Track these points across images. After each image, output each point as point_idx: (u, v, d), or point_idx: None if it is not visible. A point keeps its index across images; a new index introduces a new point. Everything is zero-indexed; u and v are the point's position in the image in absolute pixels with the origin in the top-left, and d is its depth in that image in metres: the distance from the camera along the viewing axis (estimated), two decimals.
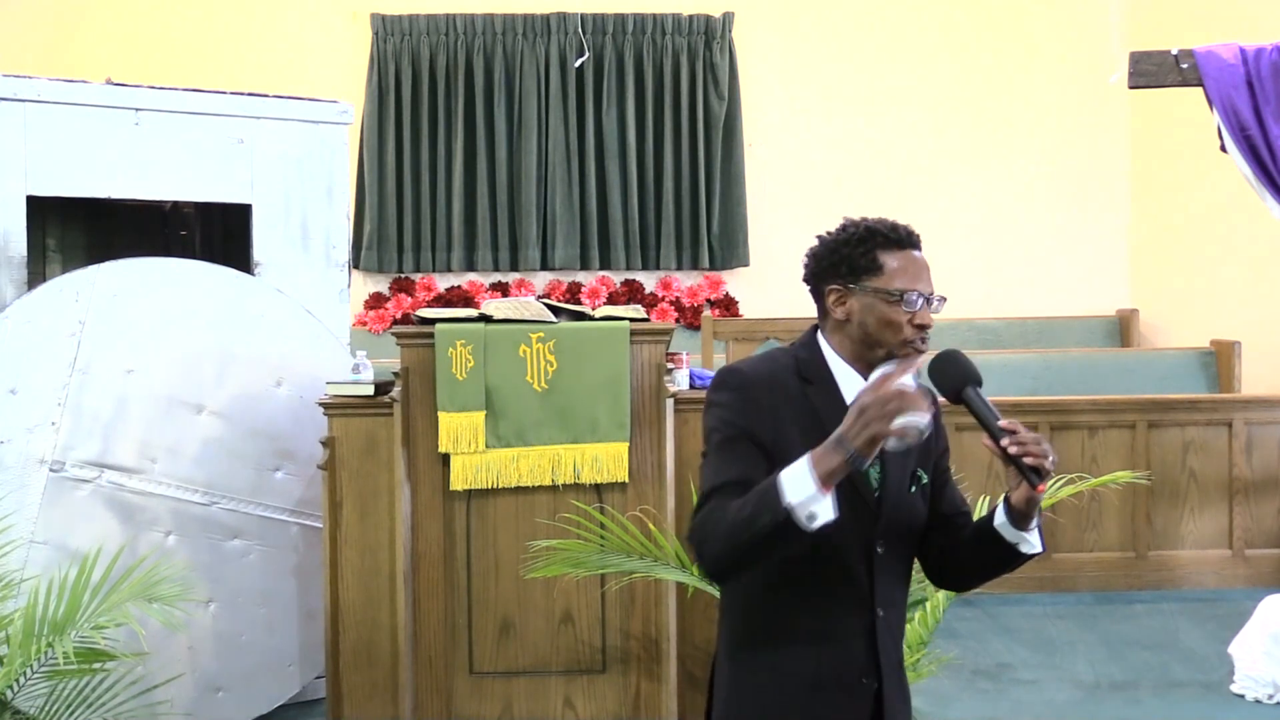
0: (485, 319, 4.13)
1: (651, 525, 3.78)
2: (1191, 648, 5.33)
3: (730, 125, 8.36)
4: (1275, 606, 4.73)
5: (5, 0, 8.07)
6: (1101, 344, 8.23)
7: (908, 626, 3.21)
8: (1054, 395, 6.71)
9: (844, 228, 2.44)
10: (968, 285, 8.38)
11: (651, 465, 4.09)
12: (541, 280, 8.27)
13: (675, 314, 8.22)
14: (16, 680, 3.28)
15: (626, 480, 4.07)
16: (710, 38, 8.33)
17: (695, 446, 4.15)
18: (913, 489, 2.35)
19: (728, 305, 8.30)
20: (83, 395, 4.18)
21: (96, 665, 3.43)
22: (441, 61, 8.23)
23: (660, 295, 8.29)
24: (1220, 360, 7.25)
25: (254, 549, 4.45)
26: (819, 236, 2.46)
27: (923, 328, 2.35)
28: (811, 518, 2.06)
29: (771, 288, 8.23)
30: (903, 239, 2.39)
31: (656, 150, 8.31)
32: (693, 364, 4.55)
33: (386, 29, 8.22)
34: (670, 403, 4.10)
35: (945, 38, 8.48)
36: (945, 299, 2.40)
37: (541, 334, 4.04)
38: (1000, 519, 2.28)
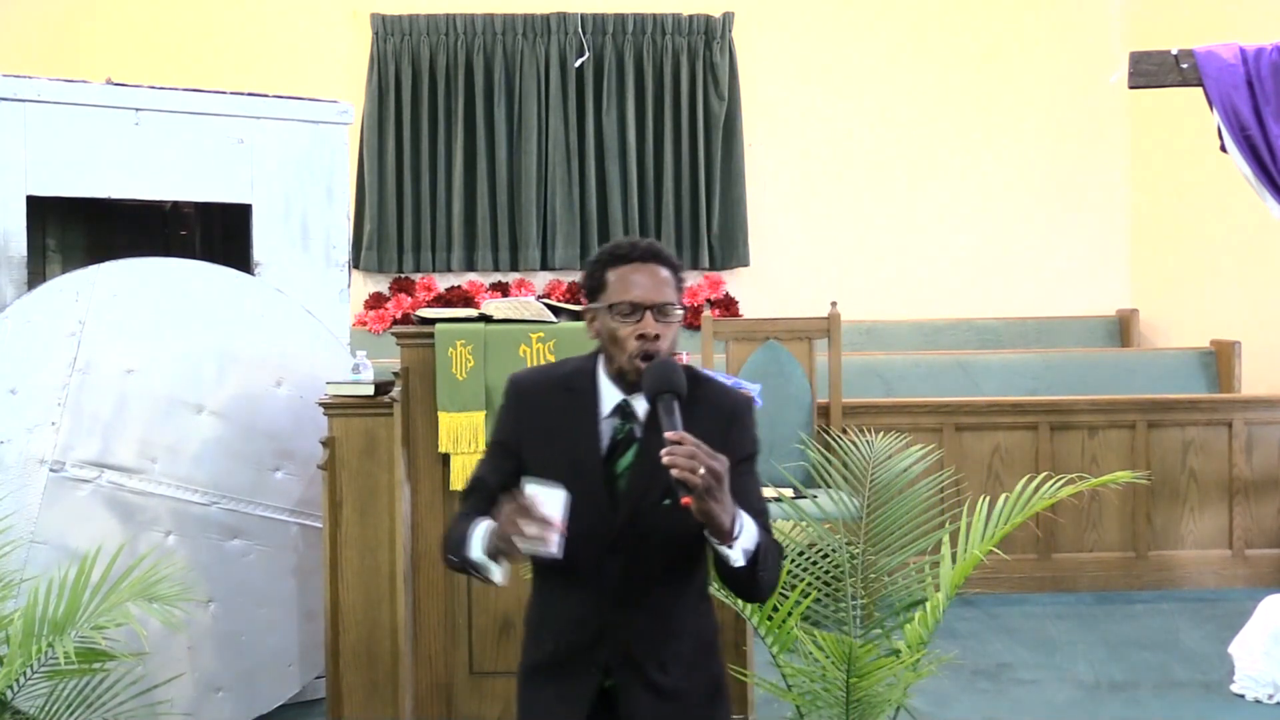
0: (485, 319, 4.13)
1: None
2: (1191, 648, 5.33)
3: (730, 125, 8.36)
4: (1275, 606, 4.73)
5: (6, 1, 8.08)
6: (1101, 344, 8.23)
7: (907, 627, 3.21)
8: (1054, 395, 6.71)
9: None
10: (968, 285, 8.41)
11: None
12: (541, 280, 8.28)
13: None
14: (16, 680, 3.28)
15: None
16: (710, 38, 8.34)
17: None
18: (666, 502, 2.38)
19: (728, 305, 8.30)
20: (82, 395, 4.18)
21: (96, 665, 3.43)
22: (441, 61, 8.24)
23: None
24: (1220, 360, 7.25)
25: (254, 549, 4.45)
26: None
27: (645, 337, 2.44)
28: (490, 573, 2.40)
29: (771, 287, 8.24)
30: (627, 254, 2.50)
31: (656, 150, 8.32)
32: (693, 364, 4.54)
33: (386, 29, 8.23)
34: None
35: (945, 38, 8.48)
36: (672, 305, 2.49)
37: (541, 334, 4.04)
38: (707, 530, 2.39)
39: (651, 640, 2.49)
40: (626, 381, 2.49)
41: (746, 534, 2.40)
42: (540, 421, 2.53)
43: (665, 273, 2.50)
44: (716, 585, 3.32)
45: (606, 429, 2.52)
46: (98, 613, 3.32)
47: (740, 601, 3.30)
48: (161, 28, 8.16)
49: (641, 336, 2.44)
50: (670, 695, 2.49)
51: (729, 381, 4.36)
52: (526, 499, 2.29)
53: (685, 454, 2.27)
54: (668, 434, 2.31)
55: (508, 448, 2.56)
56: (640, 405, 2.50)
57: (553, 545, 2.28)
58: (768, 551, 2.46)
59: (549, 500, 2.29)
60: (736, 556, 2.38)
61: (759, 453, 2.64)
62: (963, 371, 7.16)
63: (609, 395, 2.52)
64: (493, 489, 2.50)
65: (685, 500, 2.29)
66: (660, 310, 2.46)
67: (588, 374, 2.55)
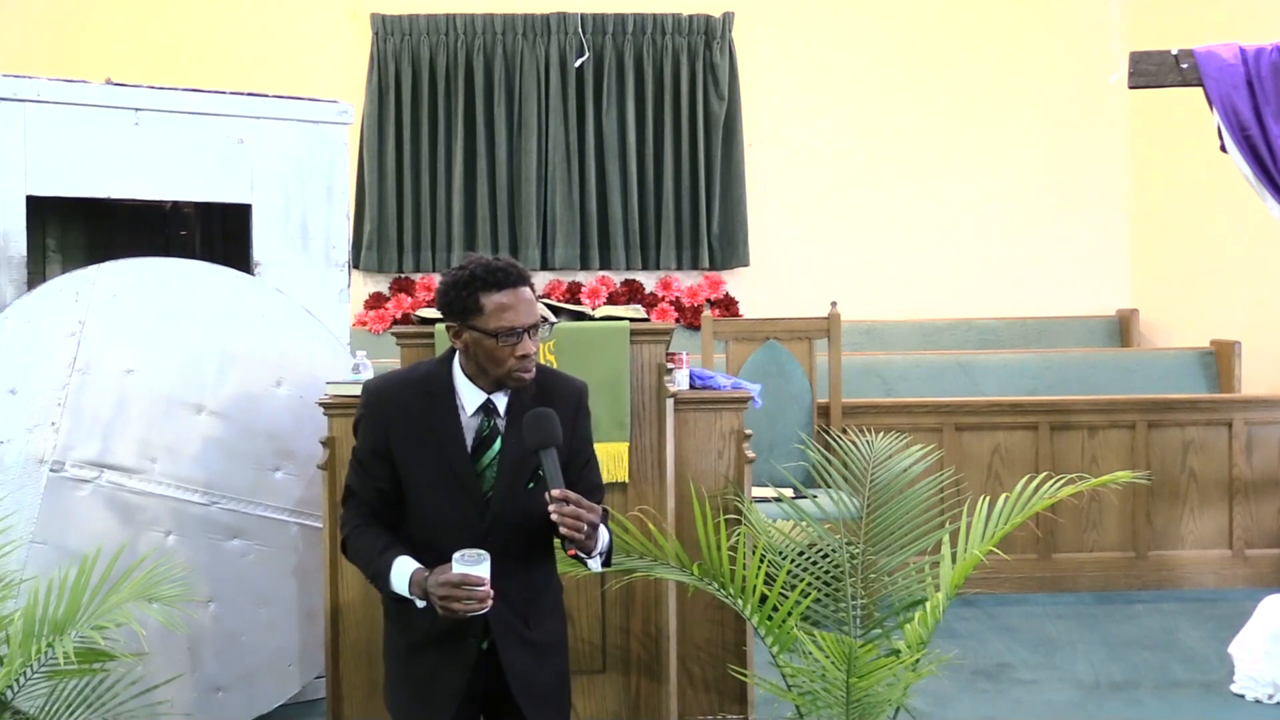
0: None
1: (651, 525, 3.77)
2: (1191, 648, 5.33)
3: (730, 125, 8.36)
4: (1275, 606, 4.73)
5: (6, 1, 8.07)
6: (1101, 344, 8.23)
7: (907, 627, 3.22)
8: (1054, 395, 6.71)
9: (458, 268, 2.78)
10: (968, 285, 8.41)
11: (651, 465, 4.09)
12: (542, 280, 8.27)
13: (675, 314, 8.22)
14: (16, 680, 3.27)
15: (626, 480, 4.06)
16: (710, 38, 8.34)
17: (695, 445, 4.16)
18: (530, 485, 2.76)
19: (728, 305, 8.30)
20: (82, 395, 4.18)
21: (96, 665, 3.42)
22: (441, 61, 8.23)
23: (660, 295, 8.29)
24: (1220, 360, 7.25)
25: (254, 549, 4.45)
26: (441, 275, 2.85)
27: (524, 357, 2.72)
28: (412, 601, 2.70)
29: (771, 287, 8.24)
30: (500, 280, 2.72)
31: (656, 150, 8.32)
32: (693, 364, 4.55)
33: (386, 29, 8.23)
34: (670, 403, 4.10)
35: (945, 37, 8.48)
36: (549, 321, 2.82)
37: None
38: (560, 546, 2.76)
39: (520, 603, 2.81)
40: (493, 384, 2.78)
41: (601, 543, 2.78)
42: (406, 425, 2.78)
43: (530, 292, 2.76)
44: (725, 593, 3.33)
45: (471, 426, 2.79)
46: (98, 613, 3.31)
47: (740, 603, 3.31)
48: (161, 28, 8.16)
49: (523, 357, 2.72)
50: (534, 646, 2.84)
51: (729, 382, 4.36)
52: (459, 578, 2.60)
53: (572, 515, 2.63)
54: (554, 491, 2.64)
55: (380, 454, 2.81)
56: (501, 402, 2.80)
57: (488, 606, 2.65)
58: (610, 543, 2.86)
59: (478, 572, 2.61)
60: (596, 565, 2.77)
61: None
62: (963, 371, 7.16)
63: (470, 395, 2.79)
64: (369, 498, 2.83)
65: (570, 552, 2.69)
66: (534, 329, 2.74)
67: (443, 377, 2.81)
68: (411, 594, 2.70)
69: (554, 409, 2.76)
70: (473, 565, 2.62)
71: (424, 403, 2.79)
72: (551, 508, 2.64)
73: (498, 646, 2.80)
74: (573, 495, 2.65)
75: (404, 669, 2.87)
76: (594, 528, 2.69)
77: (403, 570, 2.71)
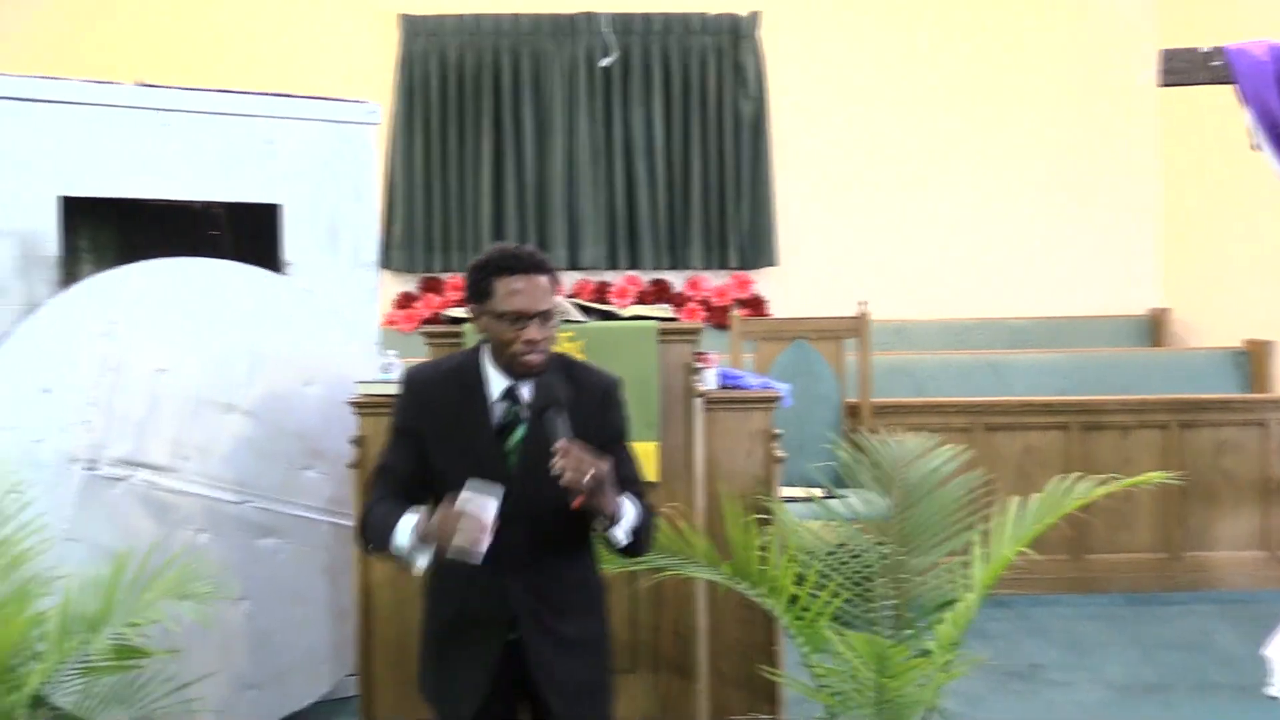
0: None
1: (682, 523, 3.76)
2: (1226, 650, 5.28)
3: (757, 125, 8.35)
4: None
5: (35, 2, 8.15)
6: (1133, 343, 8.17)
7: (938, 627, 3.20)
8: (1086, 395, 6.66)
9: (482, 254, 2.86)
10: (998, 284, 8.36)
11: (680, 464, 4.08)
12: (569, 280, 8.28)
13: (704, 314, 8.21)
14: (51, 676, 3.30)
15: (656, 480, 4.06)
16: (737, 37, 8.33)
17: (724, 445, 4.15)
18: (555, 473, 2.67)
19: (756, 305, 8.29)
20: (115, 394, 4.21)
21: (130, 662, 3.45)
22: (469, 62, 8.26)
23: (688, 295, 8.28)
24: (1254, 360, 7.18)
25: (285, 547, 4.47)
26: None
27: (531, 342, 2.76)
28: (414, 561, 2.66)
29: (800, 287, 8.22)
30: (512, 265, 2.78)
31: (684, 150, 8.31)
32: (721, 364, 4.54)
33: (414, 29, 8.26)
34: (699, 402, 4.09)
35: (974, 35, 8.44)
36: (550, 311, 2.80)
37: (571, 333, 4.03)
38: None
39: (549, 594, 2.82)
40: (513, 372, 2.81)
41: (628, 516, 2.76)
42: (438, 410, 2.83)
43: (545, 280, 2.79)
44: (755, 592, 3.32)
45: (497, 411, 2.83)
46: (132, 610, 3.34)
47: (770, 602, 3.30)
48: (190, 30, 8.22)
49: (528, 341, 2.75)
50: (568, 643, 2.83)
51: (758, 382, 4.35)
52: (461, 503, 2.56)
53: (573, 463, 2.61)
54: (558, 444, 2.64)
55: (410, 434, 2.85)
56: (525, 390, 2.83)
57: (481, 551, 2.55)
58: (645, 524, 2.83)
59: (483, 504, 2.55)
60: (620, 538, 2.76)
61: (629, 427, 2.99)
62: (993, 371, 7.12)
63: (496, 382, 2.84)
64: (401, 474, 2.85)
65: (575, 503, 2.63)
66: (543, 316, 2.76)
67: (473, 365, 2.86)
68: (412, 541, 2.65)
69: (578, 400, 2.81)
70: (480, 492, 2.58)
71: (456, 390, 2.85)
72: (554, 459, 2.63)
73: (523, 640, 2.81)
74: (575, 446, 2.65)
75: (435, 655, 2.90)
76: (599, 482, 2.65)
77: (408, 523, 2.69)
